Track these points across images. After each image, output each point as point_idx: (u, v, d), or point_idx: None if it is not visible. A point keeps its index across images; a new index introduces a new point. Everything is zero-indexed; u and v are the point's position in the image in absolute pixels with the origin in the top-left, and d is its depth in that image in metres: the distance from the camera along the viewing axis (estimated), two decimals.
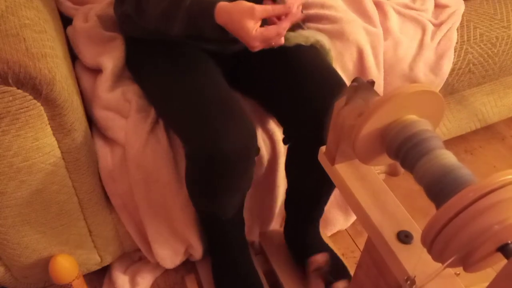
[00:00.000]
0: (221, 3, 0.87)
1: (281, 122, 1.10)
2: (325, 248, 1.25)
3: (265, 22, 0.90)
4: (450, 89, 1.44)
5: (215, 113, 0.91)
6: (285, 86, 1.04)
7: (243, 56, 1.02)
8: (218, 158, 0.88)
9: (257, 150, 0.97)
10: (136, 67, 1.14)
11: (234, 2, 0.86)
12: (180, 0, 0.90)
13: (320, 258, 1.17)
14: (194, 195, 1.03)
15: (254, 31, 0.86)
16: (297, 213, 1.22)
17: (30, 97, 0.82)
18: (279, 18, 0.89)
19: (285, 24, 0.88)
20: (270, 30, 0.87)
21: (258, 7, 0.85)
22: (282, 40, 0.90)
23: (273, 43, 0.89)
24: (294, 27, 1.15)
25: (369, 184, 0.70)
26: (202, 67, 1.03)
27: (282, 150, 1.17)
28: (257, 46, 0.89)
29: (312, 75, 1.02)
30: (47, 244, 1.08)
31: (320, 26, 1.28)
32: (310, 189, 1.13)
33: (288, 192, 1.22)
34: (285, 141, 1.09)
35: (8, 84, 0.78)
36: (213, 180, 0.94)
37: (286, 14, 0.88)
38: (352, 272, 1.19)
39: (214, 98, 0.94)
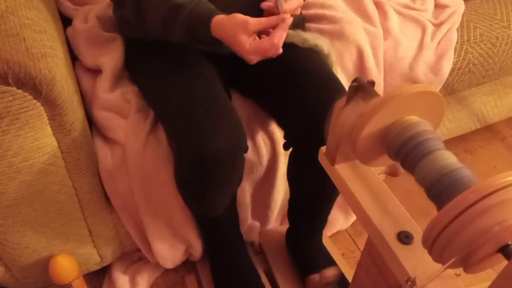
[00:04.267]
0: (217, 17, 0.87)
1: (281, 124, 1.10)
2: (327, 257, 1.25)
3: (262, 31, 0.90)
4: (450, 89, 1.44)
5: (202, 112, 0.91)
6: (284, 86, 1.04)
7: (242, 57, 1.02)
8: (204, 156, 0.89)
9: (245, 148, 0.97)
10: (134, 67, 1.14)
11: (228, 16, 0.86)
12: (178, 10, 0.89)
13: (316, 278, 1.18)
14: (183, 194, 1.04)
15: (247, 45, 0.85)
16: (300, 221, 1.22)
17: (30, 97, 0.82)
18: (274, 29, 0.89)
19: (279, 33, 0.86)
20: (264, 42, 0.86)
21: (251, 21, 0.84)
22: (280, 50, 0.89)
23: (270, 54, 0.89)
24: (295, 26, 1.15)
25: (369, 184, 0.70)
26: (197, 68, 1.03)
27: (282, 150, 1.17)
28: (253, 59, 0.88)
29: (311, 76, 1.02)
30: (47, 244, 1.08)
31: (320, 26, 1.28)
32: (312, 192, 1.13)
33: (291, 200, 1.21)
34: (285, 147, 1.09)
35: (8, 84, 0.78)
36: (200, 178, 0.94)
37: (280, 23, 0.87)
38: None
39: (203, 98, 0.94)
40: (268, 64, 1.05)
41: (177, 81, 0.99)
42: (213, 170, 0.91)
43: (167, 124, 1.00)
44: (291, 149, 1.11)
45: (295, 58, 1.06)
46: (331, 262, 1.23)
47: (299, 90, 1.01)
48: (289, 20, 0.88)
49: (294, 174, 1.15)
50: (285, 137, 1.09)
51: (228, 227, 1.17)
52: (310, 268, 1.20)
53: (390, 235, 0.64)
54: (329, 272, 1.18)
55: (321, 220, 1.21)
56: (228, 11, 0.88)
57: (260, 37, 0.89)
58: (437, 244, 0.51)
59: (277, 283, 1.24)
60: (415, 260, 0.61)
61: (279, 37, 0.86)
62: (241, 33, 0.84)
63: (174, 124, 0.95)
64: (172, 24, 0.91)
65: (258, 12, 0.91)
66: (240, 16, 0.85)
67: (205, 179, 0.93)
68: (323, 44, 1.13)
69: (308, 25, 1.31)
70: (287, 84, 1.04)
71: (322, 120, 0.93)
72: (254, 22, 0.85)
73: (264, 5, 0.88)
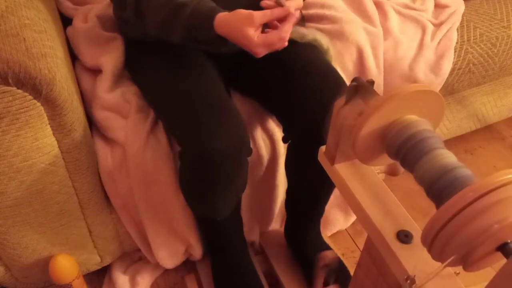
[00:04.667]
0: (220, 15, 0.87)
1: (281, 121, 1.10)
2: (325, 247, 1.25)
3: (266, 25, 0.90)
4: (450, 89, 1.44)
5: (206, 113, 0.91)
6: (284, 85, 1.04)
7: (243, 56, 1.02)
8: (207, 158, 0.88)
9: (249, 150, 0.97)
10: (134, 67, 1.14)
11: (232, 12, 0.86)
12: (179, 10, 0.89)
13: (330, 255, 1.17)
14: (186, 196, 1.03)
15: (255, 38, 0.86)
16: (297, 212, 1.22)
17: (30, 97, 0.82)
18: (279, 20, 0.89)
19: (287, 27, 0.87)
20: (272, 35, 0.86)
21: (256, 14, 0.85)
22: (286, 43, 0.90)
23: (277, 47, 0.89)
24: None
25: (369, 184, 0.70)
26: (198, 67, 1.03)
27: (282, 150, 1.17)
28: (261, 52, 0.88)
29: (311, 73, 1.02)
30: (47, 244, 1.08)
31: (320, 26, 1.28)
32: (310, 188, 1.13)
33: (288, 191, 1.22)
34: (284, 140, 1.09)
35: (8, 84, 0.79)
36: (203, 180, 0.94)
37: (286, 16, 0.88)
38: (352, 272, 1.19)
39: (206, 98, 0.94)
40: (268, 63, 1.05)
41: (179, 81, 0.99)
42: (217, 170, 0.91)
43: (169, 124, 1.00)
44: (289, 142, 1.10)
45: (295, 55, 1.06)
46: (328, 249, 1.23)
47: (299, 90, 1.01)
48: (297, 13, 0.89)
49: (292, 170, 1.15)
50: (283, 131, 1.09)
51: (231, 230, 1.17)
52: (308, 258, 1.20)
53: (389, 235, 0.64)
54: (331, 254, 1.17)
55: (319, 210, 1.21)
56: (229, 10, 0.88)
57: (263, 30, 0.89)
58: (436, 243, 0.51)
59: (280, 281, 1.24)
60: (415, 259, 0.61)
61: (287, 31, 0.87)
62: (247, 27, 0.85)
63: (177, 123, 0.95)
64: (172, 24, 0.91)
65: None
66: (243, 11, 0.85)
67: (208, 179, 0.93)
68: (322, 39, 1.13)
69: (308, 25, 1.31)
70: (287, 84, 1.04)
71: (322, 119, 0.93)
72: (259, 15, 0.85)
73: (264, 3, 0.88)
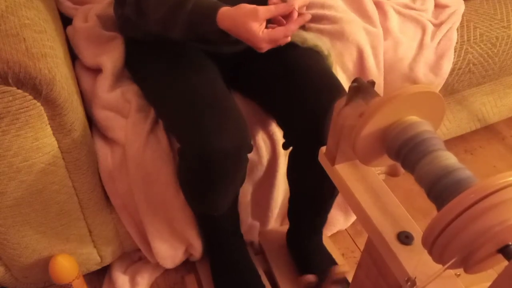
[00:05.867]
0: (223, 9, 0.87)
1: (281, 124, 1.10)
2: (328, 259, 1.24)
3: (269, 21, 0.90)
4: (450, 89, 1.44)
5: (206, 111, 0.91)
6: (284, 85, 1.04)
7: (243, 57, 1.01)
8: (208, 157, 0.88)
9: (250, 147, 0.97)
10: (135, 67, 1.14)
11: (236, 6, 0.86)
12: (181, 5, 0.89)
13: (310, 278, 1.17)
14: (186, 194, 1.04)
15: (260, 32, 0.86)
16: (300, 221, 1.22)
17: (30, 97, 0.82)
18: (283, 16, 0.89)
19: (293, 27, 0.88)
20: (278, 32, 0.87)
21: (261, 9, 0.85)
22: (289, 39, 0.90)
23: (280, 42, 0.89)
24: None
25: (369, 185, 0.70)
26: (198, 67, 1.03)
27: (282, 150, 1.17)
28: (265, 47, 0.88)
29: (311, 74, 1.02)
30: (47, 244, 1.08)
31: (320, 26, 1.28)
32: (313, 195, 1.13)
33: (291, 200, 1.21)
34: (285, 146, 1.09)
35: (8, 84, 0.78)
36: (204, 179, 0.94)
37: (290, 13, 0.88)
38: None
39: (207, 96, 0.94)
40: (269, 64, 1.05)
41: (179, 81, 0.99)
42: (218, 169, 0.91)
43: (170, 123, 1.00)
44: (290, 149, 1.10)
45: (296, 57, 1.06)
46: (331, 262, 1.23)
47: (299, 90, 1.01)
48: (308, 16, 0.89)
49: (294, 174, 1.14)
50: (284, 136, 1.09)
51: (229, 226, 1.17)
52: (310, 268, 1.20)
53: (390, 235, 0.64)
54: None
55: (321, 219, 1.21)
56: (231, 6, 0.88)
57: (267, 26, 0.89)
58: (437, 245, 0.51)
59: (277, 283, 1.24)
60: (415, 261, 0.61)
61: (292, 30, 0.88)
62: (252, 21, 0.85)
63: (177, 123, 0.95)
64: (173, 21, 0.91)
65: None
66: (248, 6, 0.85)
67: (209, 178, 0.93)
68: (323, 45, 1.13)
69: (308, 25, 1.31)
70: (287, 84, 1.04)
71: (322, 120, 0.93)
72: (264, 10, 0.85)
73: (271, 2, 0.89)
